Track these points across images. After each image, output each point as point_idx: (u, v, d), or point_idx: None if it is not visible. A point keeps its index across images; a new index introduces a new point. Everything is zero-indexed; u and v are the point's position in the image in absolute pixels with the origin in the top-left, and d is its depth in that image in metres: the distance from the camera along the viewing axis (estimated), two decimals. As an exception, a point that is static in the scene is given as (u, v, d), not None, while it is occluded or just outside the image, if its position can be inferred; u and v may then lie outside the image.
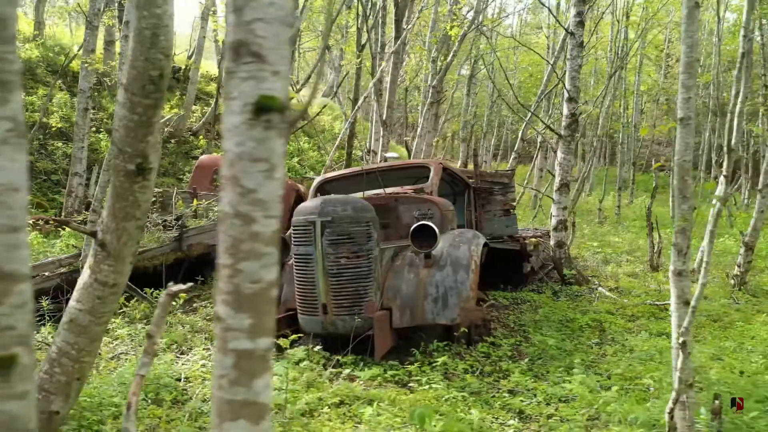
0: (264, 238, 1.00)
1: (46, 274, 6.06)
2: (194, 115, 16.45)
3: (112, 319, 5.55)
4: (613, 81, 16.78)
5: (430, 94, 13.50)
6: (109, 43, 15.03)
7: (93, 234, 2.70)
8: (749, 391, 3.81)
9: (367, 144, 15.40)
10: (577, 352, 5.36)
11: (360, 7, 11.81)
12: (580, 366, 4.77)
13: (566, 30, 8.64)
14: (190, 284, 1.99)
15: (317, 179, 7.75)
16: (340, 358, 4.96)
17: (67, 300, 2.87)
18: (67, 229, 7.85)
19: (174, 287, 1.85)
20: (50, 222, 7.58)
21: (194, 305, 6.87)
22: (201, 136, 15.35)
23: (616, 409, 3.70)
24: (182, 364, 4.77)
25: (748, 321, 6.35)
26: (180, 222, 7.93)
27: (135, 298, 6.32)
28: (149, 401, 3.93)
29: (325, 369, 4.75)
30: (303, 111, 1.04)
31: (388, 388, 4.38)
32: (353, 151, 13.24)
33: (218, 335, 1.01)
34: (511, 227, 8.04)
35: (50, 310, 5.29)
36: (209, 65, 20.29)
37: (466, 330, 5.27)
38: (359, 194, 6.63)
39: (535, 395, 4.26)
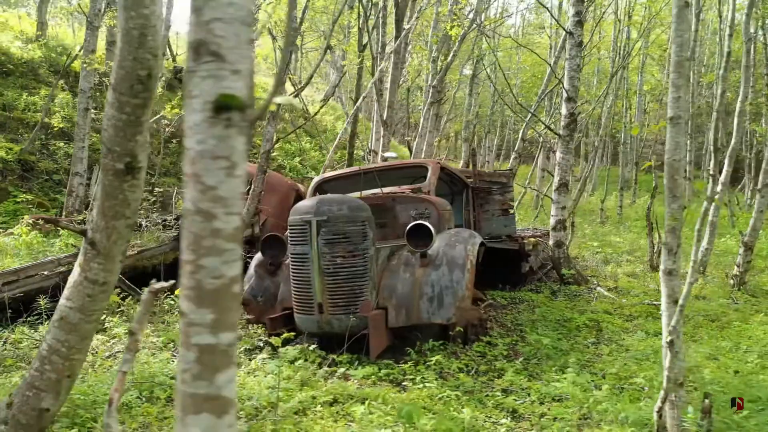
0: (225, 235, 1.01)
1: (45, 273, 6.09)
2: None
3: (109, 318, 5.58)
4: (615, 81, 16.74)
5: (430, 94, 13.51)
6: (110, 43, 15.05)
7: (83, 232, 2.72)
8: (742, 390, 3.81)
9: (369, 144, 15.42)
10: (573, 351, 5.36)
11: (361, 8, 11.83)
12: (574, 365, 4.77)
13: (565, 30, 8.63)
14: (172, 282, 2.00)
15: (315, 179, 7.78)
16: (335, 357, 4.98)
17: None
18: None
19: (156, 285, 1.87)
20: (40, 221, 7.60)
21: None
22: (203, 136, 15.37)
23: (608, 408, 3.70)
24: (178, 362, 4.79)
25: (746, 321, 6.33)
26: (180, 221, 7.96)
27: (133, 297, 6.35)
28: (143, 399, 3.95)
29: (321, 368, 4.77)
30: (264, 109, 1.05)
31: (382, 386, 4.40)
32: (355, 151, 13.26)
33: (182, 330, 1.03)
34: (509, 227, 8.04)
35: (49, 309, 5.32)
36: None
37: (462, 329, 5.28)
38: (356, 194, 6.65)
39: (528, 394, 4.26)
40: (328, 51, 21.81)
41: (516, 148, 13.78)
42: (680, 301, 2.87)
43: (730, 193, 17.54)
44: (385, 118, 11.94)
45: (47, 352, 2.75)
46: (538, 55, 12.87)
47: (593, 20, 14.14)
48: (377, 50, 12.60)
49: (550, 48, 22.81)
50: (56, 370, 2.75)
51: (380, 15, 13.31)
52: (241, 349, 5.26)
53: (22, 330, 5.23)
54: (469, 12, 14.78)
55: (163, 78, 16.94)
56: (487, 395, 4.28)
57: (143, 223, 8.29)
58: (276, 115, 7.26)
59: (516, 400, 4.15)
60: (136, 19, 2.45)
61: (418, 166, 7.42)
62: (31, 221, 7.86)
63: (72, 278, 2.77)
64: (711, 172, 3.38)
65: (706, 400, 3.07)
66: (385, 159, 9.41)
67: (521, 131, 13.87)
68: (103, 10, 9.43)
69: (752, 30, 12.14)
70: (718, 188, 7.41)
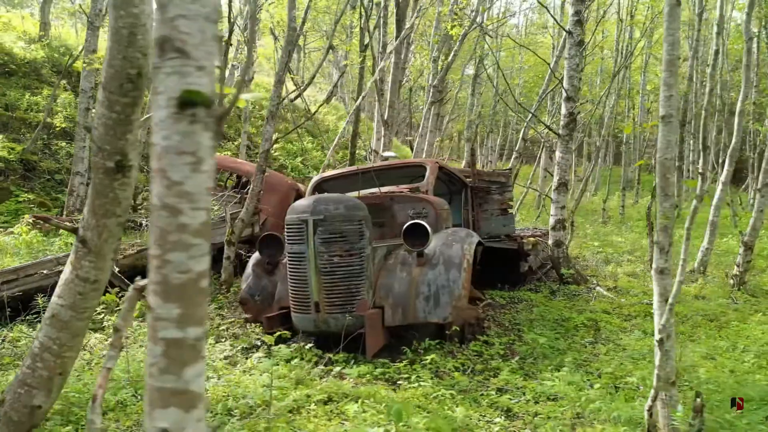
0: (191, 230, 1.02)
1: (45, 272, 6.12)
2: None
3: (108, 317, 5.60)
4: (618, 80, 16.71)
5: (431, 94, 13.50)
6: (113, 43, 15.10)
7: (74, 231, 2.74)
8: (735, 390, 3.80)
9: (371, 144, 15.42)
10: (570, 351, 5.36)
11: (362, 8, 11.85)
12: (570, 365, 4.77)
13: (564, 29, 8.63)
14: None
15: (314, 178, 7.79)
16: (331, 356, 4.99)
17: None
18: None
19: (141, 282, 1.88)
20: (37, 220, 7.64)
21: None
22: (204, 136, 15.42)
23: (601, 408, 3.70)
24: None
25: (745, 321, 6.32)
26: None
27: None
28: (138, 397, 3.97)
29: (317, 366, 4.78)
30: (231, 105, 1.06)
31: (377, 385, 4.40)
32: (357, 151, 13.27)
33: (149, 324, 1.04)
34: (508, 226, 8.04)
35: (47, 308, 5.35)
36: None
37: (458, 329, 5.28)
38: (355, 193, 6.66)
39: (524, 393, 4.27)
40: (331, 51, 21.84)
41: (517, 148, 13.78)
42: (670, 300, 2.86)
43: (733, 193, 17.50)
44: (386, 117, 11.95)
45: (39, 349, 2.77)
46: (538, 55, 12.85)
47: (594, 20, 14.12)
48: (379, 50, 12.62)
49: (553, 48, 22.78)
50: (48, 368, 2.76)
51: (381, 15, 13.32)
52: (238, 348, 5.28)
53: (20, 329, 5.26)
54: (471, 12, 14.78)
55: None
56: (482, 394, 4.28)
57: (143, 222, 8.33)
58: (275, 114, 7.28)
59: (511, 399, 4.15)
60: (126, 18, 2.46)
61: (417, 166, 7.43)
62: (31, 221, 7.90)
63: (63, 276, 2.78)
64: (700, 171, 3.37)
65: (698, 399, 3.07)
66: (386, 159, 9.43)
67: (522, 131, 13.86)
68: (104, 11, 9.46)
69: (755, 30, 12.10)
70: (719, 187, 7.39)
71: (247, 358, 4.96)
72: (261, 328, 5.70)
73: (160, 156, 1.00)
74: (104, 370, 1.84)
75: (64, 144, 11.93)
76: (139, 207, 9.24)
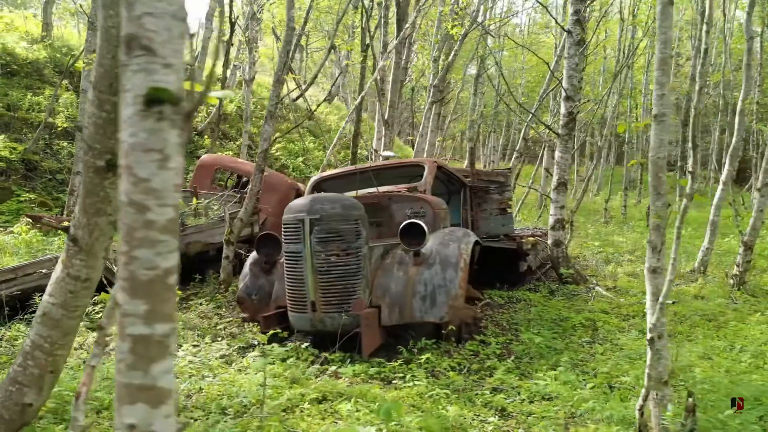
0: (158, 227, 1.02)
1: (43, 271, 6.14)
2: (199, 114, 16.57)
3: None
4: (620, 80, 16.67)
5: (431, 94, 13.50)
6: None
7: (65, 229, 2.75)
8: (730, 390, 3.79)
9: (373, 143, 15.43)
10: (567, 350, 5.35)
11: (362, 8, 11.86)
12: (566, 364, 4.76)
13: (563, 28, 8.62)
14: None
15: (313, 178, 7.80)
16: (327, 355, 4.99)
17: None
18: (68, 227, 7.95)
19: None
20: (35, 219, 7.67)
21: (190, 302, 6.94)
22: (206, 136, 15.47)
23: (595, 407, 3.69)
24: (170, 360, 4.82)
25: (743, 321, 6.29)
26: (179, 220, 7.99)
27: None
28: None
29: (313, 365, 4.79)
30: (199, 103, 1.06)
31: (372, 384, 4.41)
32: (359, 151, 13.28)
33: (117, 321, 1.04)
34: (507, 226, 8.03)
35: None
36: (217, 65, 20.41)
37: (455, 328, 5.28)
38: (353, 193, 6.67)
39: (519, 393, 4.26)
40: (333, 51, 21.86)
41: (517, 148, 13.76)
42: (660, 299, 2.86)
43: (736, 193, 17.44)
44: (386, 117, 11.96)
45: (30, 347, 2.78)
46: (538, 55, 12.83)
47: (595, 19, 14.09)
48: (380, 50, 12.62)
49: (555, 47, 22.75)
50: (39, 366, 2.77)
51: (382, 15, 13.33)
52: (235, 347, 5.29)
53: (18, 327, 5.28)
54: (473, 12, 14.77)
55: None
56: (477, 394, 4.27)
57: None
58: (273, 114, 7.29)
59: (505, 398, 4.15)
60: (115, 17, 2.47)
61: (415, 165, 7.43)
62: (30, 220, 7.93)
63: (55, 274, 2.79)
64: (690, 170, 3.36)
65: (690, 399, 3.06)
66: (387, 158, 9.44)
67: (522, 131, 13.84)
68: (104, 11, 9.47)
69: (758, 29, 12.06)
70: (719, 187, 7.38)
71: (243, 358, 4.97)
72: (258, 327, 5.71)
73: (127, 153, 1.01)
74: (88, 367, 1.84)
75: (65, 144, 11.97)
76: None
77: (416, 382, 4.31)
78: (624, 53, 16.35)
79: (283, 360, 4.79)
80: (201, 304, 6.80)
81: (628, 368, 4.65)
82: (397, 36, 11.54)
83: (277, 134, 14.22)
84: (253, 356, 4.82)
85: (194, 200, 9.20)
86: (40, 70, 13.85)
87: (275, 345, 4.70)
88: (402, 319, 5.21)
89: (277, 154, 17.05)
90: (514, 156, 13.93)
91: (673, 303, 6.81)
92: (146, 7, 0.98)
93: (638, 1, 16.76)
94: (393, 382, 4.46)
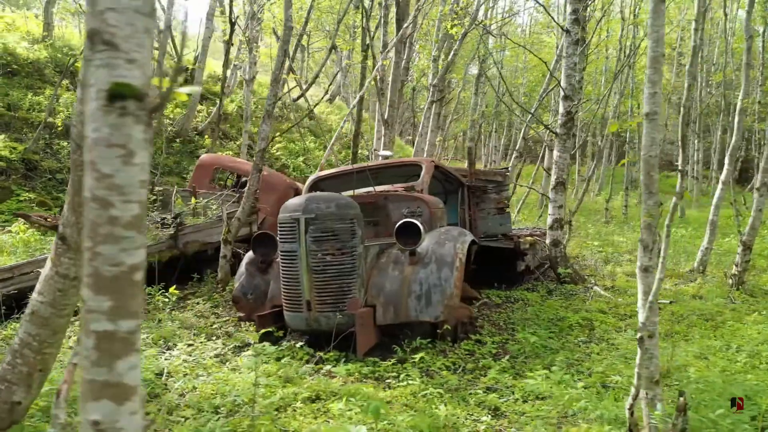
0: (123, 223, 1.02)
1: (41, 270, 6.14)
2: (200, 114, 16.59)
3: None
4: (621, 79, 16.64)
5: (431, 93, 13.49)
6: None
7: (54, 228, 2.75)
8: (722, 389, 3.77)
9: (374, 143, 15.42)
10: (563, 350, 5.34)
11: (363, 8, 11.86)
12: (561, 364, 4.75)
13: (562, 27, 8.60)
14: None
15: (311, 177, 7.80)
16: (322, 354, 4.99)
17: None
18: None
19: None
20: (35, 218, 7.67)
21: (187, 302, 6.94)
22: (206, 136, 15.49)
23: (587, 406, 3.68)
24: (165, 359, 4.83)
25: (741, 320, 6.28)
26: (178, 220, 8.00)
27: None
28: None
29: (308, 364, 4.79)
30: (165, 99, 1.06)
31: (367, 383, 4.40)
32: (359, 151, 13.28)
33: (82, 317, 1.04)
34: (504, 225, 8.02)
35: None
36: (218, 65, 20.42)
37: (450, 327, 5.27)
38: (349, 192, 6.67)
39: (512, 392, 4.25)
40: (334, 51, 21.86)
41: (517, 147, 13.74)
42: (650, 298, 2.85)
43: (737, 192, 17.40)
44: (386, 117, 11.95)
45: (19, 345, 2.78)
46: (536, 54, 12.82)
47: (596, 19, 14.07)
48: (380, 50, 12.61)
49: (557, 47, 22.70)
50: (28, 364, 2.78)
51: (382, 15, 13.33)
52: (230, 347, 5.29)
53: (14, 327, 5.28)
54: (473, 11, 14.74)
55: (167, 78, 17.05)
56: (471, 393, 4.26)
57: (141, 221, 8.34)
58: (271, 114, 7.29)
59: (499, 398, 4.13)
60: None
61: (413, 165, 7.42)
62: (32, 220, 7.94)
63: (43, 273, 2.80)
64: (680, 168, 3.35)
65: (681, 398, 3.05)
66: (386, 157, 9.43)
67: (522, 130, 13.83)
68: (103, 10, 9.48)
69: (760, 28, 12.03)
70: (719, 187, 7.35)
71: (237, 357, 4.97)
72: (254, 326, 5.71)
73: (91, 148, 1.00)
74: (70, 365, 1.84)
75: (65, 144, 11.98)
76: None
77: (410, 382, 4.31)
78: (625, 53, 16.30)
79: (278, 359, 4.80)
80: (198, 303, 6.80)
81: (622, 368, 4.63)
82: (397, 35, 11.53)
83: (278, 133, 14.24)
84: (247, 355, 4.82)
85: (193, 200, 9.22)
86: (41, 70, 13.88)
87: (266, 344, 4.70)
88: (397, 319, 5.21)
89: (278, 153, 17.06)
90: (513, 156, 13.91)
91: (671, 303, 6.81)
92: (109, 2, 0.98)
93: (639, 1, 16.71)
94: (387, 381, 4.46)
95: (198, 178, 10.26)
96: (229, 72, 17.12)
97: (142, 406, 1.08)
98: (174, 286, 6.59)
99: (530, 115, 11.84)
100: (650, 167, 3.16)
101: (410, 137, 23.12)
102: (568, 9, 8.43)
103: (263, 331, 4.73)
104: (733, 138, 8.48)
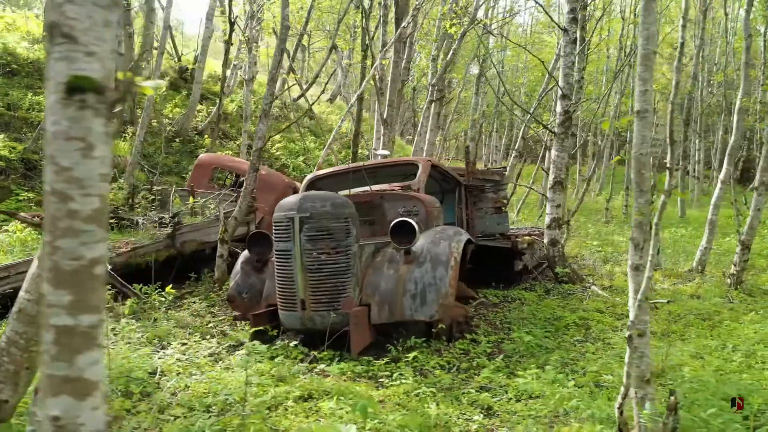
0: (83, 216, 1.01)
1: (36, 269, 6.14)
2: (200, 114, 16.60)
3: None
4: (621, 79, 16.61)
5: (430, 93, 13.47)
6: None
7: (39, 226, 2.74)
8: (715, 388, 3.75)
9: (374, 143, 15.41)
10: (558, 349, 5.33)
11: (362, 8, 11.85)
12: (555, 363, 4.73)
13: (559, 27, 8.58)
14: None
15: (308, 176, 7.79)
16: (316, 353, 4.98)
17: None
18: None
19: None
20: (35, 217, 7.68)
21: (184, 301, 6.94)
22: (206, 135, 15.49)
23: (580, 406, 3.67)
24: (158, 358, 4.82)
25: (738, 320, 6.25)
26: (176, 219, 8.01)
27: (125, 294, 6.41)
28: (118, 393, 3.97)
29: (302, 363, 4.78)
30: (125, 92, 1.05)
31: (360, 382, 4.39)
32: (359, 150, 13.27)
33: (43, 312, 1.03)
34: (502, 225, 8.01)
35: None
36: (218, 65, 20.43)
37: (445, 327, 5.26)
38: (345, 191, 6.66)
39: (506, 392, 4.24)
40: (334, 51, 21.86)
41: (516, 147, 13.72)
42: (638, 296, 2.83)
43: (738, 192, 17.35)
44: (385, 116, 11.94)
45: (6, 344, 2.78)
46: (535, 54, 12.80)
47: (596, 18, 14.04)
48: (380, 49, 12.60)
49: (557, 47, 22.66)
50: (15, 362, 2.77)
51: (382, 14, 13.32)
52: (225, 346, 5.29)
53: (9, 325, 5.28)
54: (473, 11, 14.73)
55: (167, 78, 17.08)
56: (464, 392, 4.25)
57: (139, 220, 8.36)
58: (267, 113, 7.29)
59: (492, 397, 4.12)
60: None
61: (410, 164, 7.41)
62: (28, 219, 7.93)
63: (30, 271, 2.79)
64: (668, 165, 3.34)
65: (672, 398, 3.03)
66: (384, 157, 9.42)
67: (521, 130, 13.80)
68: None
69: (761, 28, 11.99)
70: (717, 186, 7.32)
71: (231, 356, 4.96)
72: (249, 325, 5.70)
73: (50, 142, 1.00)
74: (50, 362, 1.83)
75: (64, 143, 12.00)
76: (136, 205, 9.27)
77: (403, 381, 4.30)
78: (625, 52, 16.26)
79: (272, 358, 4.79)
80: (195, 302, 6.80)
81: (616, 367, 4.61)
82: (395, 35, 11.52)
83: (275, 132, 14.23)
84: (241, 354, 4.81)
85: (191, 199, 9.22)
86: (41, 70, 13.89)
87: (256, 342, 4.69)
88: (392, 318, 5.19)
89: (278, 153, 17.06)
90: (512, 155, 13.89)
91: (668, 302, 6.78)
92: (67, -6, 0.97)
93: (639, 0, 16.66)
94: (380, 380, 4.45)
95: (197, 177, 10.26)
96: (228, 72, 17.13)
97: (105, 402, 1.07)
98: (171, 286, 6.59)
99: (529, 115, 11.81)
100: (641, 165, 3.14)
101: (411, 137, 23.09)
102: (566, 8, 8.41)
103: (254, 329, 4.72)
104: (732, 137, 8.46)
